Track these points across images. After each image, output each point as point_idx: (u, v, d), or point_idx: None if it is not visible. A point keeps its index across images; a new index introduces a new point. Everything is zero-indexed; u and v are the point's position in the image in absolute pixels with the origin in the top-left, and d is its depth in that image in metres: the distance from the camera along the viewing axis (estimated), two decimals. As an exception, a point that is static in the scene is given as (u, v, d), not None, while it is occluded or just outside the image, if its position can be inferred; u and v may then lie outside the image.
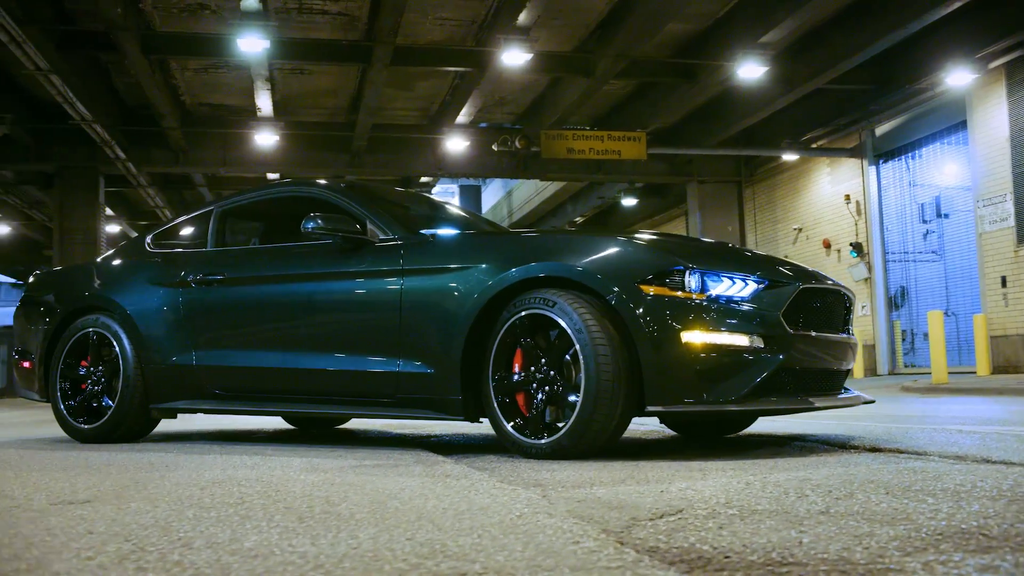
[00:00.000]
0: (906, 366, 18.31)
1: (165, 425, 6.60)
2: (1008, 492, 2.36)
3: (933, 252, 18.38)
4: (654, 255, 3.69)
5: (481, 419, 4.00)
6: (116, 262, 5.29)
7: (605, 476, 2.98)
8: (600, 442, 3.58)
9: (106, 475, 3.11)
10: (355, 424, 6.47)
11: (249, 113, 18.77)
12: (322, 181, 4.76)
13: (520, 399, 3.81)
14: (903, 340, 18.50)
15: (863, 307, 18.79)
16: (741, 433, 4.99)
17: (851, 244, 18.83)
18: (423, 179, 23.39)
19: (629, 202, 25.03)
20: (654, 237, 3.96)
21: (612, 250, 3.79)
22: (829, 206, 19.87)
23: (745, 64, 14.69)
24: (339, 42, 15.69)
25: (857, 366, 17.66)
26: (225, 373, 4.59)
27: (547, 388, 3.71)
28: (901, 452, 3.62)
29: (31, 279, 5.54)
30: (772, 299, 3.68)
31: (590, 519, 2.05)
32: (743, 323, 3.59)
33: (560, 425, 3.62)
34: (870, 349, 18.43)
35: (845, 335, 4.21)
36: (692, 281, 3.59)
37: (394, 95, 19.17)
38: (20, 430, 6.39)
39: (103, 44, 14.52)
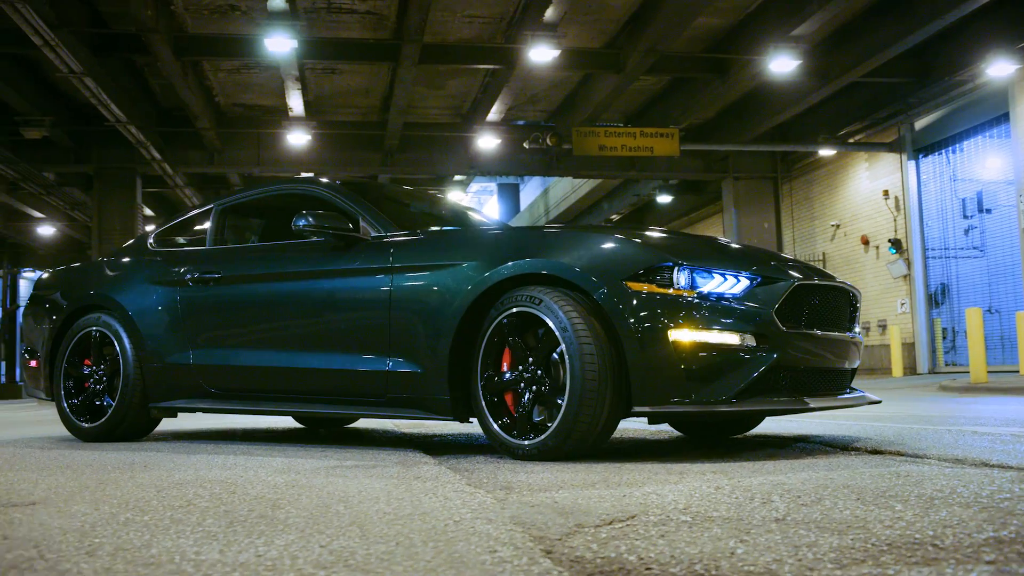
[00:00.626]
0: (947, 364, 17.90)
1: (178, 424, 6.63)
2: (985, 498, 2.24)
3: (975, 248, 17.95)
4: (642, 251, 3.58)
5: (471, 419, 3.93)
6: (119, 261, 5.30)
7: (579, 478, 2.90)
8: (587, 443, 3.49)
9: (76, 475, 3.10)
10: (365, 424, 6.44)
11: (281, 113, 18.89)
12: (323, 179, 4.72)
13: (509, 399, 3.74)
14: (944, 338, 18.09)
15: (902, 304, 18.41)
16: (748, 434, 4.87)
17: (890, 240, 18.45)
18: (456, 177, 23.41)
19: (664, 199, 24.80)
20: (645, 233, 3.85)
21: (600, 246, 3.69)
22: (867, 202, 19.50)
23: (777, 58, 14.44)
24: (367, 41, 15.72)
25: (896, 364, 17.30)
26: (220, 372, 4.58)
27: (534, 388, 3.63)
28: (901, 455, 3.49)
29: (39, 278, 5.58)
30: (765, 296, 3.56)
31: (531, 525, 1.97)
32: (734, 321, 3.48)
33: (548, 425, 3.54)
34: (909, 347, 18.05)
35: (849, 334, 4.07)
36: (681, 278, 3.49)
37: (426, 94, 19.19)
38: (35, 428, 6.45)
39: (136, 47, 14.69)
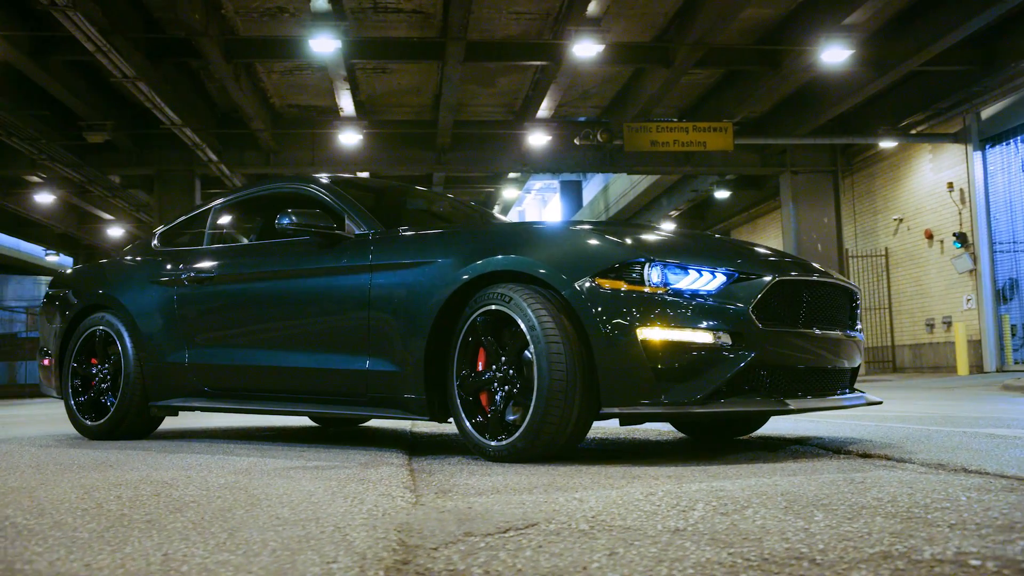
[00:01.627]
0: (1016, 363, 17.21)
1: (191, 422, 6.72)
2: (920, 508, 2.10)
3: (1047, 242, 17.24)
4: (613, 247, 3.47)
5: (449, 419, 3.87)
6: (124, 260, 5.39)
7: (526, 482, 2.82)
8: (557, 445, 3.40)
9: (34, 474, 3.13)
10: (380, 424, 6.43)
11: (333, 113, 19.09)
12: (317, 177, 4.70)
13: (484, 398, 3.67)
14: (1013, 335, 17.40)
15: (968, 300, 17.77)
16: (754, 434, 4.72)
17: (955, 234, 17.82)
18: (511, 175, 23.37)
19: (722, 195, 24.38)
20: (623, 228, 3.74)
21: (573, 242, 3.60)
22: (931, 195, 18.88)
23: (829, 48, 14.06)
24: (412, 40, 15.78)
25: (961, 362, 16.72)
26: (213, 371, 4.60)
27: (506, 388, 3.55)
28: (887, 459, 3.33)
29: (54, 278, 5.70)
30: (742, 293, 3.42)
31: (416, 533, 1.90)
32: (708, 319, 3.35)
33: (521, 426, 3.46)
34: (976, 345, 17.42)
35: (845, 332, 3.89)
36: (653, 274, 3.37)
37: (476, 91, 19.19)
38: (50, 427, 6.59)
39: (188, 50, 14.99)
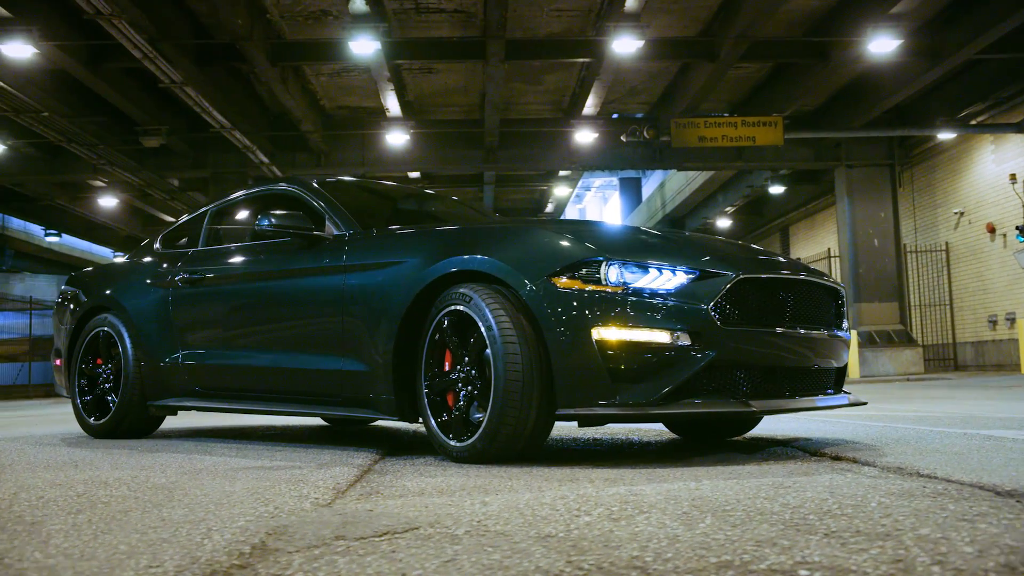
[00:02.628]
0: (1083, 362, 16.55)
1: (201, 421, 6.83)
2: (819, 512, 2.02)
3: (1115, 235, 16.53)
4: (571, 246, 3.43)
5: (419, 420, 3.86)
6: (128, 262, 5.51)
7: (462, 483, 2.80)
8: (516, 446, 3.37)
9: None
10: (394, 424, 6.45)
11: (381, 114, 19.25)
12: (304, 179, 4.74)
13: (451, 399, 3.66)
14: (1079, 333, 16.73)
15: (1031, 297, 17.14)
16: (748, 434, 4.63)
17: (1018, 227, 17.21)
18: (561, 173, 23.29)
19: (776, 190, 23.94)
20: (583, 226, 3.70)
21: (532, 241, 3.56)
22: (993, 187, 18.27)
23: (876, 39, 13.70)
24: (451, 40, 15.83)
25: (1026, 361, 16.14)
26: (203, 371, 4.68)
27: (468, 388, 3.54)
28: (853, 462, 3.23)
29: (67, 280, 5.86)
30: (702, 291, 3.34)
31: (282, 535, 1.91)
32: (665, 318, 3.28)
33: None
34: (1039, 343, 16.79)
35: (822, 330, 3.77)
36: (610, 273, 3.32)
37: (524, 90, 19.19)
38: (61, 426, 6.77)
39: (236, 55, 15.27)
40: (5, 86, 14.42)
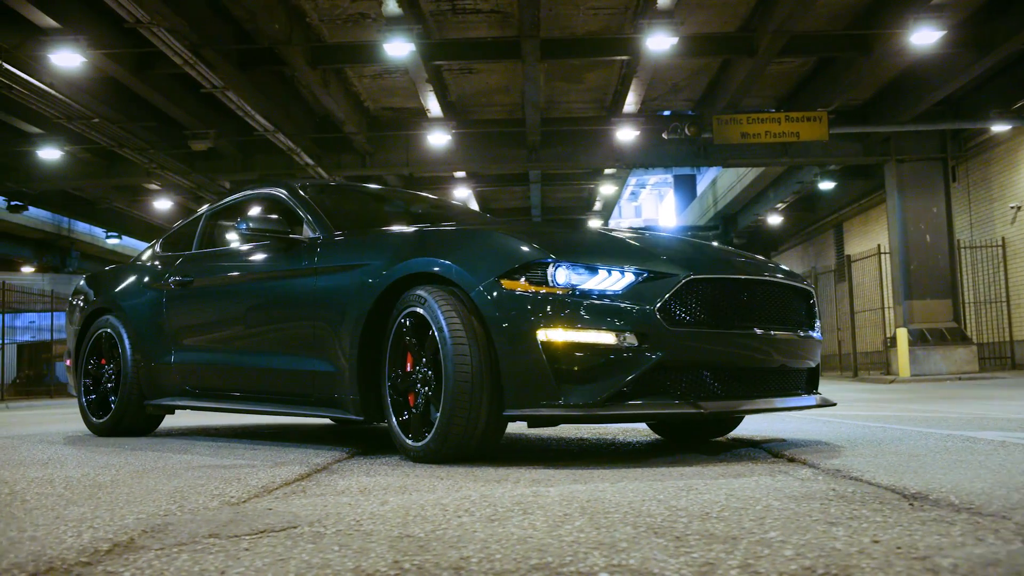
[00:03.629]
0: None
1: (208, 420, 6.99)
2: (699, 516, 2.01)
3: None
4: (520, 247, 3.45)
5: (384, 420, 3.92)
6: (131, 265, 5.68)
7: (392, 483, 2.86)
8: (469, 446, 3.41)
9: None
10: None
11: (423, 115, 19.40)
12: (288, 182, 4.84)
13: (412, 399, 3.71)
14: None
15: (1088, 294, 16.56)
16: (731, 434, 4.62)
17: (1075, 223, 16.66)
18: (607, 171, 23.20)
19: (826, 186, 23.49)
20: (537, 228, 3.72)
21: (484, 243, 3.60)
22: (1049, 181, 17.69)
23: (918, 30, 13.38)
24: (485, 40, 15.90)
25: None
26: (193, 371, 4.81)
27: (425, 389, 3.59)
28: (804, 464, 3.21)
29: (79, 282, 6.06)
30: (649, 292, 3.33)
31: (157, 533, 1.98)
32: (611, 319, 3.29)
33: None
34: (1097, 341, 16.22)
35: (787, 331, 3.74)
36: (557, 274, 3.34)
37: (565, 88, 19.17)
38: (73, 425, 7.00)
39: (277, 59, 15.53)
40: (56, 93, 14.90)
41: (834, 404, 3.99)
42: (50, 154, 19.17)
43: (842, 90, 17.33)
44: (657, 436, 4.73)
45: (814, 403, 3.88)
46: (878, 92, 18.72)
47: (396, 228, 4.34)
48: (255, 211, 4.68)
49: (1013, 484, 2.45)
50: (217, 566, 1.64)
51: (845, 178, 23.80)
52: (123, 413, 5.15)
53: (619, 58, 16.52)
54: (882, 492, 2.39)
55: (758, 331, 3.58)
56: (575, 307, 3.29)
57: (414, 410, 3.61)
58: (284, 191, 4.71)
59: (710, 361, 3.45)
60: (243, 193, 5.18)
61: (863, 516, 2.01)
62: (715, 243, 4.37)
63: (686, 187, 45.06)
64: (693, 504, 2.24)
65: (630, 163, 20.68)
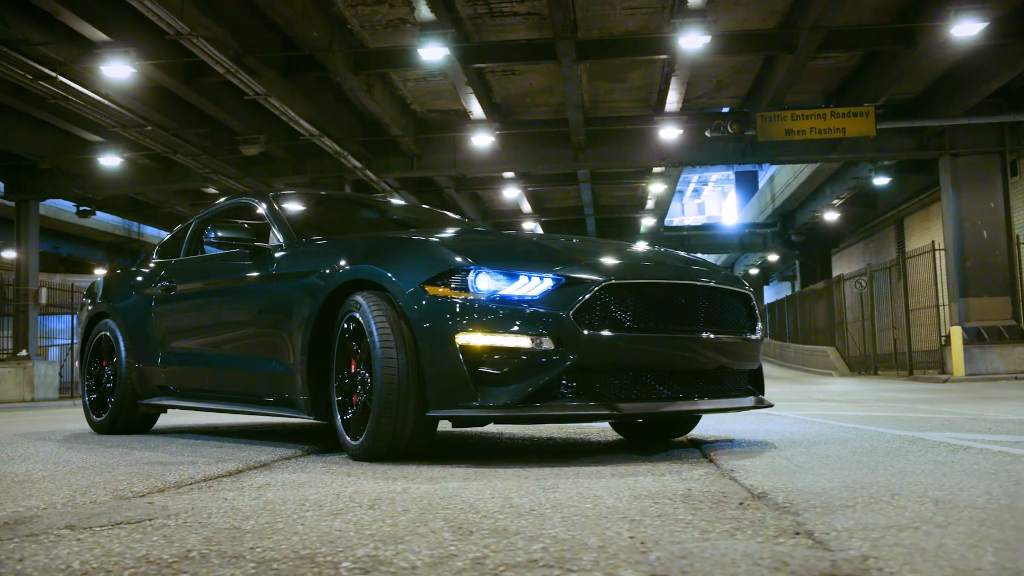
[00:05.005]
0: None
1: (215, 420, 7.26)
2: (507, 509, 2.13)
3: None
4: (444, 255, 3.59)
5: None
6: (130, 270, 5.96)
7: (297, 479, 3.03)
8: (399, 445, 3.55)
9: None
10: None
11: (468, 116, 19.61)
12: (269, 192, 5.04)
13: (355, 400, 3.88)
14: None
15: None
16: (690, 434, 4.68)
17: None
18: (655, 169, 23.12)
19: (880, 181, 23.00)
20: (467, 235, 3.85)
21: (414, 250, 3.75)
22: (1110, 174, 17.08)
23: (960, 22, 13.09)
24: (519, 43, 16.03)
25: None
26: (176, 372, 5.06)
27: (362, 390, 3.75)
28: (709, 462, 3.28)
29: (89, 286, 6.38)
30: (565, 298, 3.44)
31: (13, 524, 2.17)
32: (526, 324, 3.40)
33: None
34: None
35: (722, 334, 3.80)
36: (477, 281, 3.47)
37: (609, 88, 19.21)
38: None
39: (321, 65, 15.89)
40: (109, 103, 15.52)
41: (771, 405, 4.04)
42: (111, 161, 19.91)
43: (889, 84, 17.01)
44: (619, 436, 4.81)
45: (750, 404, 3.94)
46: (930, 85, 18.32)
47: (346, 236, 4.50)
48: (243, 218, 4.90)
49: (869, 485, 2.50)
50: (39, 554, 1.82)
51: (903, 173, 23.29)
52: (119, 412, 5.43)
53: (659, 57, 16.49)
54: (734, 493, 2.46)
55: (683, 334, 3.66)
56: (492, 312, 3.41)
57: (353, 411, 3.78)
58: (258, 200, 4.92)
59: (631, 364, 3.53)
60: (228, 202, 5.41)
61: (676, 515, 2.10)
62: (657, 247, 4.44)
63: (747, 184, 44.57)
64: (534, 502, 2.35)
65: (676, 161, 20.59)
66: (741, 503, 2.27)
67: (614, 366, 3.50)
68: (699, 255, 4.89)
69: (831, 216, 28.18)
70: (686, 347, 3.67)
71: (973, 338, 18.38)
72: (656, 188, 25.40)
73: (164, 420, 7.01)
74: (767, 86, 17.75)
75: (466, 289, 3.47)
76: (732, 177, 47.30)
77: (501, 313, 3.41)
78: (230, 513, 2.28)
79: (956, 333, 17.99)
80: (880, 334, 23.31)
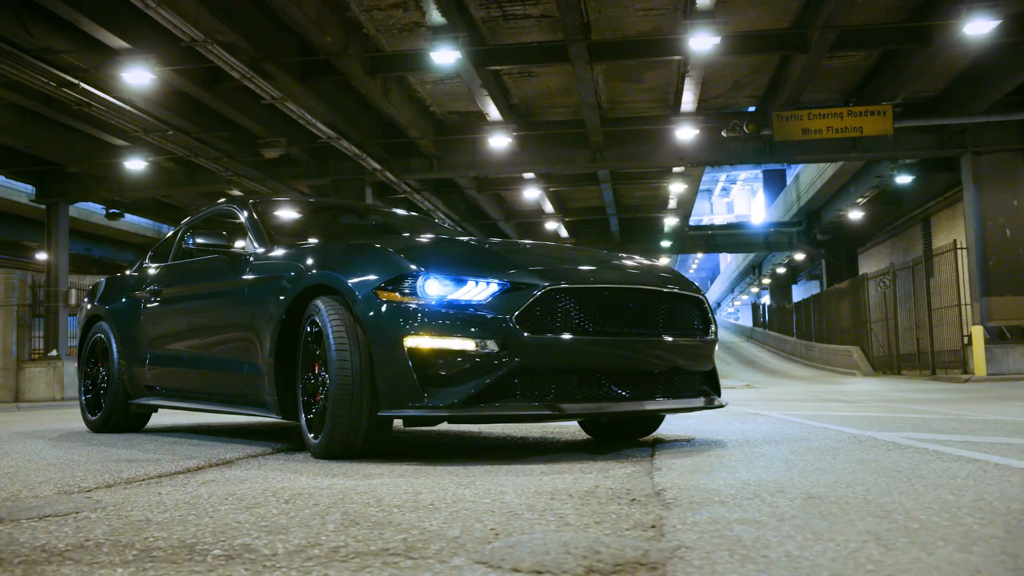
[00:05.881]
0: None
1: (210, 419, 7.44)
2: (367, 503, 2.26)
3: None
4: (394, 261, 3.73)
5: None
6: (124, 274, 6.17)
7: (242, 476, 3.17)
8: (355, 443, 3.69)
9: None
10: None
11: (484, 118, 19.76)
12: (247, 200, 5.18)
13: (317, 399, 4.03)
14: None
15: None
16: (654, 434, 4.77)
17: None
18: (675, 169, 23.12)
19: (904, 180, 22.82)
20: (414, 242, 3.99)
21: (368, 257, 3.89)
22: None
23: (971, 20, 13.01)
24: (531, 45, 16.14)
25: None
26: (161, 373, 5.25)
27: (323, 390, 3.90)
28: (644, 464, 3.37)
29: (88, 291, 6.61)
30: (509, 303, 3.56)
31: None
32: (471, 328, 3.53)
33: (334, 427, 3.79)
34: None
35: (671, 336, 3.90)
36: (426, 286, 3.60)
37: (626, 88, 19.27)
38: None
39: (335, 69, 16.12)
40: (130, 108, 15.87)
41: (722, 405, 4.13)
42: (136, 164, 20.33)
43: (906, 82, 16.93)
44: (588, 435, 4.92)
45: (700, 404, 4.03)
46: (950, 83, 18.20)
47: (313, 243, 4.65)
48: (206, 227, 5.08)
49: (768, 482, 2.60)
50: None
51: (927, 171, 23.11)
52: (111, 412, 5.64)
53: (673, 58, 16.53)
54: (636, 489, 2.57)
55: (628, 337, 3.77)
56: (440, 316, 3.55)
57: (315, 410, 3.93)
58: (237, 207, 5.09)
59: (575, 366, 3.65)
60: (212, 208, 5.59)
61: (557, 510, 2.21)
62: (611, 253, 4.54)
63: (775, 182, 44.31)
64: (440, 497, 2.48)
65: (694, 161, 20.60)
66: (634, 499, 2.38)
67: (558, 368, 3.62)
68: (658, 262, 4.97)
69: (855, 215, 27.99)
70: (631, 349, 3.78)
71: (995, 337, 18.21)
72: (677, 188, 25.40)
73: (162, 419, 7.23)
74: (784, 85, 17.73)
75: (415, 294, 3.60)
76: (760, 175, 47.06)
77: (448, 317, 3.55)
78: (153, 507, 2.44)
79: (977, 332, 17.83)
80: (904, 333, 23.13)
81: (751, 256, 42.74)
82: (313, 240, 4.89)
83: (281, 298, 4.13)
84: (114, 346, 5.66)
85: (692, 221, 34.88)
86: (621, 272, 3.97)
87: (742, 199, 55.67)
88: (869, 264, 31.68)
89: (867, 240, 32.29)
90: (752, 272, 46.61)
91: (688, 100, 18.10)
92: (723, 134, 18.14)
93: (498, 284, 3.61)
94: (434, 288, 3.60)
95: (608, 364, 3.74)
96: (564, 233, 32.54)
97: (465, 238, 4.46)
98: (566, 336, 3.63)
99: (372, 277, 3.72)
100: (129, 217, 25.75)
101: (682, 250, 35.47)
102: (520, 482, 2.83)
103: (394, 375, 3.57)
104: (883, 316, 24.47)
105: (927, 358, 20.91)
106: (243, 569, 1.63)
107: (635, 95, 19.69)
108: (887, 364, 23.84)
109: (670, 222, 30.94)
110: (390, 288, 3.65)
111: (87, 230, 28.34)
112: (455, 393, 3.51)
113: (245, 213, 4.96)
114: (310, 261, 4.14)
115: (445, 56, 14.29)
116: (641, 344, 3.81)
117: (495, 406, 3.53)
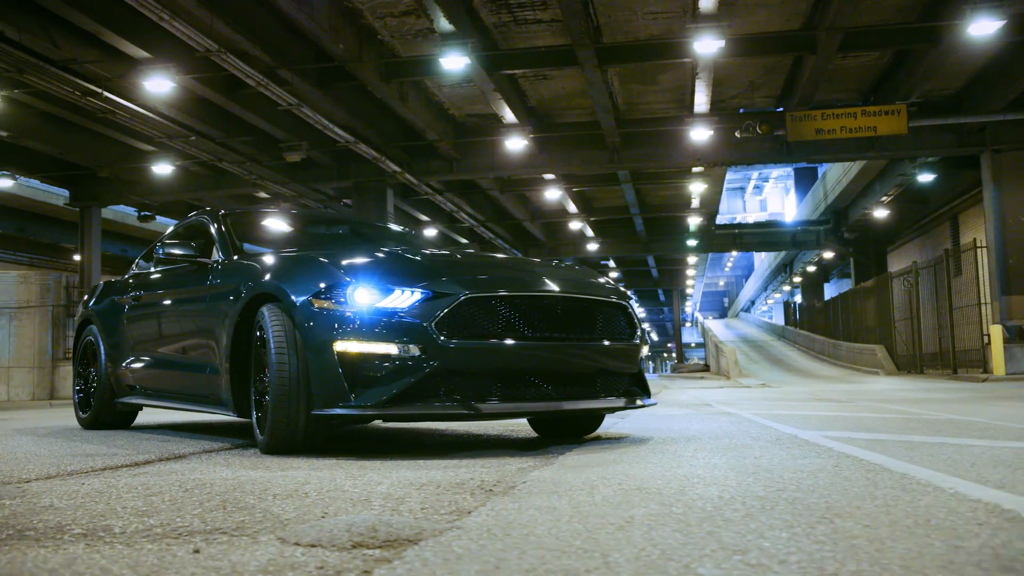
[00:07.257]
0: None
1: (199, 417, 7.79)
2: (231, 490, 2.53)
3: None
4: (329, 271, 4.02)
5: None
6: (114, 280, 6.53)
7: (186, 468, 3.48)
8: (295, 440, 3.98)
9: None
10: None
11: (500, 121, 20.02)
12: (218, 211, 5.48)
13: (265, 399, 4.33)
14: None
15: None
16: (599, 431, 5.01)
17: None
18: (695, 169, 23.20)
19: (925, 178, 22.69)
20: (349, 253, 4.26)
21: (306, 267, 4.18)
22: None
23: (976, 20, 13.01)
24: (540, 49, 16.38)
25: None
26: (140, 374, 5.59)
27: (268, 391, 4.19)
28: (543, 459, 3.61)
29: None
30: (430, 310, 3.83)
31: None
32: (394, 333, 3.80)
33: (277, 425, 4.09)
34: None
35: (584, 340, 4.16)
36: (355, 294, 3.88)
37: (641, 90, 19.43)
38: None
39: (351, 75, 16.48)
40: (152, 115, 16.37)
41: (643, 406, 4.36)
42: (163, 169, 20.91)
43: (920, 82, 16.91)
44: (535, 433, 5.17)
45: (621, 404, 4.27)
46: (968, 81, 18.13)
47: (267, 253, 4.95)
48: (185, 236, 5.42)
49: (638, 476, 2.84)
50: None
51: (951, 169, 22.97)
52: (100, 410, 6.00)
53: (684, 60, 16.67)
54: (506, 482, 2.82)
55: (545, 341, 4.02)
56: (366, 322, 3.83)
57: (262, 410, 4.23)
58: (208, 219, 5.42)
59: (493, 368, 3.91)
60: (188, 219, 5.93)
61: (400, 497, 2.48)
62: (538, 261, 4.79)
63: (806, 181, 44.04)
64: (332, 487, 2.75)
65: (710, 161, 20.69)
66: (488, 490, 2.63)
67: (478, 371, 3.88)
68: (589, 268, 5.20)
69: (881, 213, 27.84)
70: (550, 353, 4.03)
71: (1015, 336, 18.11)
72: (698, 188, 25.46)
73: (162, 418, 7.60)
74: (797, 86, 17.78)
75: (346, 302, 3.89)
76: (792, 173, 46.81)
77: (375, 323, 3.82)
78: (65, 496, 2.74)
79: (996, 331, 17.74)
80: (927, 332, 22.99)
81: (782, 255, 42.53)
82: (277, 250, 5.20)
83: (236, 305, 4.44)
84: (102, 348, 6.02)
85: (724, 219, 34.94)
86: (540, 280, 4.21)
87: (775, 197, 55.38)
88: (899, 262, 31.42)
89: (896, 238, 32.05)
90: (783, 271, 46.39)
91: (701, 101, 18.21)
92: (736, 135, 18.22)
93: (422, 292, 3.88)
94: (363, 296, 3.88)
95: (528, 367, 3.99)
96: (589, 232, 32.71)
97: (400, 250, 4.73)
98: (485, 341, 3.89)
99: (309, 286, 4.01)
100: (161, 219, 26.41)
101: (709, 249, 35.47)
102: (409, 475, 3.09)
103: (326, 377, 3.86)
104: (907, 315, 24.33)
105: (949, 357, 20.79)
106: (83, 544, 1.91)
107: (651, 96, 19.84)
108: (911, 363, 23.71)
109: (695, 221, 30.98)
110: (323, 296, 3.93)
111: (122, 231, 29.11)
112: (380, 393, 3.79)
113: (214, 225, 5.28)
114: (260, 271, 4.44)
115: (454, 62, 14.57)
116: (560, 348, 4.06)
117: (417, 406, 3.80)
